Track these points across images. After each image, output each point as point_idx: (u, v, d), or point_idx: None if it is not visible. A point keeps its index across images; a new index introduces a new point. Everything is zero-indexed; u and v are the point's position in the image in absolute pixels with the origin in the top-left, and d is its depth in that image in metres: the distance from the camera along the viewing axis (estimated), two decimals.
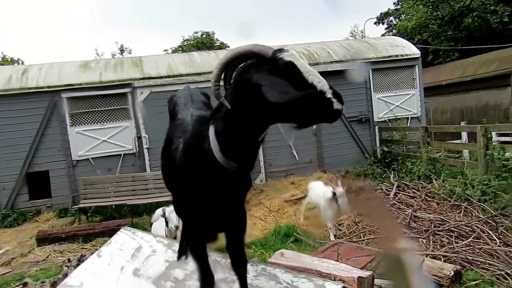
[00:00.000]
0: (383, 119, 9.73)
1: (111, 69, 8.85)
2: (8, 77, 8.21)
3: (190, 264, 1.82)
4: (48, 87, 8.11)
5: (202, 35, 27.83)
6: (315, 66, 9.07)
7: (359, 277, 2.36)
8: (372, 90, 9.64)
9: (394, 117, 9.64)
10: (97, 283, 2.25)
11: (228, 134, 1.49)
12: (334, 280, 2.44)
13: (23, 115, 7.98)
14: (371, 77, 9.60)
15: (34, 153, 8.07)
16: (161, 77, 8.59)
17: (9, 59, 22.86)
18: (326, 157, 9.34)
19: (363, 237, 5.44)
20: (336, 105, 1.31)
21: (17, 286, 4.48)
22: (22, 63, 19.85)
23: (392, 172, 8.40)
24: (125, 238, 2.60)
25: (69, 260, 5.30)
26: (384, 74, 9.81)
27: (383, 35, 23.33)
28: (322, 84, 1.32)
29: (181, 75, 8.69)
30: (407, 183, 7.51)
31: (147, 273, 2.20)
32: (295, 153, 8.98)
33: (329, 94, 1.30)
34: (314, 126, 9.24)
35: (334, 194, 5.15)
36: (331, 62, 9.38)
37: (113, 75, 8.64)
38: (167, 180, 1.98)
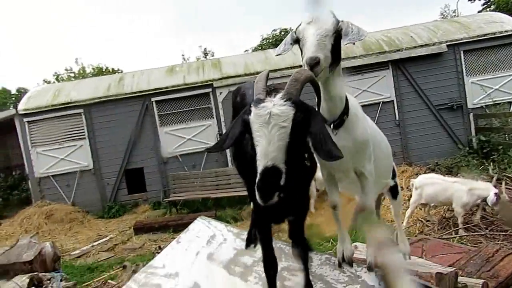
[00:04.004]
0: (478, 105, 8.74)
1: (194, 71, 9.43)
2: (107, 85, 9.30)
3: (258, 252, 1.89)
4: (140, 92, 8.98)
5: (280, 32, 27.97)
6: (397, 53, 8.57)
7: (437, 273, 2.18)
8: (464, 73, 8.72)
9: (492, 102, 8.59)
10: (176, 265, 2.46)
11: None
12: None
13: (121, 118, 8.97)
14: (462, 60, 8.69)
15: (131, 151, 9.02)
16: (239, 76, 8.89)
17: (111, 70, 25.64)
18: (411, 149, 8.74)
19: (455, 234, 5.00)
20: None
21: (118, 268, 5.06)
22: (121, 71, 22.09)
23: (492, 163, 7.51)
24: (201, 227, 2.78)
25: (160, 248, 5.86)
26: (479, 55, 8.79)
27: (479, 11, 20.83)
28: None
29: (257, 73, 8.83)
30: (510, 175, 6.68)
31: (219, 259, 2.33)
32: None
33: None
34: (397, 117, 8.73)
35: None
36: (415, 47, 8.71)
37: (196, 77, 9.20)
38: (239, 168, 2.07)
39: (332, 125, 1.63)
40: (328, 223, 5.84)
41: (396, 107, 8.75)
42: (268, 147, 1.29)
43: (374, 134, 1.90)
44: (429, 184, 5.22)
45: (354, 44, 1.60)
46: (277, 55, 1.77)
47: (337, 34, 1.56)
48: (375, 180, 1.78)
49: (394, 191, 2.37)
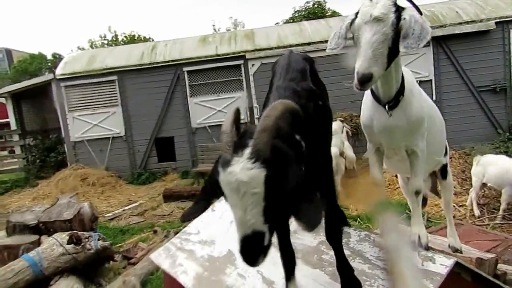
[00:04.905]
0: None
1: (226, 42, 9.32)
2: (141, 54, 9.36)
3: (293, 224, 1.88)
4: (172, 61, 9.00)
5: (313, 4, 27.06)
6: (440, 29, 8.10)
7: (477, 258, 2.12)
8: None
9: None
10: (210, 232, 2.50)
11: None
12: None
13: (153, 87, 9.07)
14: (511, 39, 8.15)
15: (162, 120, 9.15)
16: (271, 48, 8.72)
17: (142, 38, 25.75)
18: (447, 132, 8.26)
19: (489, 221, 4.85)
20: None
21: (149, 232, 5.25)
22: (152, 40, 22.17)
23: None
24: None
25: None
26: None
27: None
28: None
29: (291, 46, 8.67)
30: None
31: None
32: None
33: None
34: (434, 97, 8.39)
35: None
36: (460, 23, 8.21)
37: (228, 48, 9.10)
38: None
39: (387, 106, 1.55)
40: (355, 202, 5.79)
41: (434, 87, 8.39)
42: (243, 216, 1.14)
43: (428, 108, 1.81)
44: (493, 164, 4.97)
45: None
46: (330, 50, 1.62)
47: (397, 34, 1.38)
48: (426, 157, 1.71)
49: (443, 171, 2.26)
